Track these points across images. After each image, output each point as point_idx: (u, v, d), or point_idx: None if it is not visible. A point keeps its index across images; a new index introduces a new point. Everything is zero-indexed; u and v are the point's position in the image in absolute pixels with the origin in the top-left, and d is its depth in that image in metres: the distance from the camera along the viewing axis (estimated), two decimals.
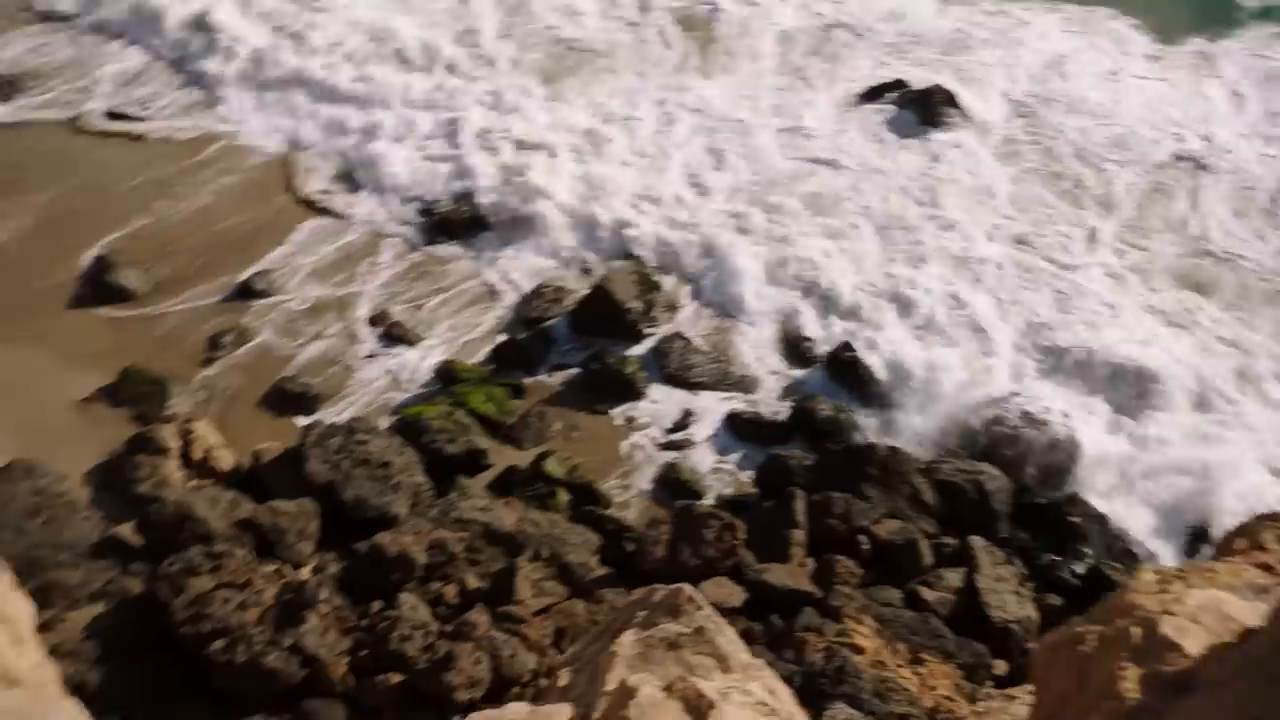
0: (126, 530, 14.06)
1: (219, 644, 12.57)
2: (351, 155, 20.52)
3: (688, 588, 5.48)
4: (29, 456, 14.38)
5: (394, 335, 17.54)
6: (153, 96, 21.53)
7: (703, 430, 16.74)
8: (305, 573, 13.77)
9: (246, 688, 12.38)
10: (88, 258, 17.77)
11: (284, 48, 22.72)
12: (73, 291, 17.37)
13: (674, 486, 15.86)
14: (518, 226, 19.42)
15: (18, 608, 6.36)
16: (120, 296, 17.32)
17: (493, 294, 18.47)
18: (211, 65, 22.22)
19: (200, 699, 12.13)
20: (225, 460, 15.15)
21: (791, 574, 14.06)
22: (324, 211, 19.49)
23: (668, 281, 18.81)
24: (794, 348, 17.93)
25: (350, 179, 20.14)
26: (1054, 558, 14.86)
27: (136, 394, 15.88)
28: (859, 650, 12.57)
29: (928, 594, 13.94)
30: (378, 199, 19.76)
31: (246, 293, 17.76)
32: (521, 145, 20.77)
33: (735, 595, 13.69)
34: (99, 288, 17.37)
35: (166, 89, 21.78)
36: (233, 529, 13.96)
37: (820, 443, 16.25)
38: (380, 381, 16.95)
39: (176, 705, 12.07)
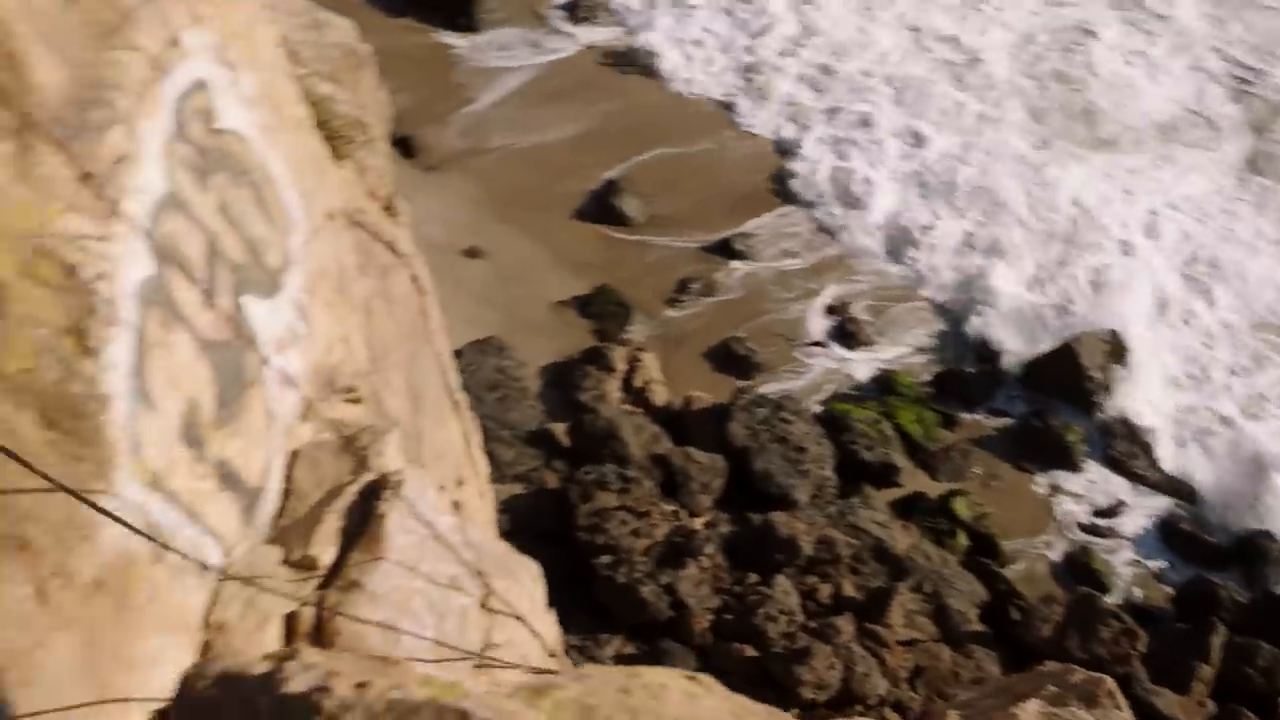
0: (559, 429, 15.29)
1: (606, 559, 13.40)
2: (845, 164, 20.29)
3: (1110, 681, 5.12)
4: (504, 337, 15.98)
5: (847, 330, 17.62)
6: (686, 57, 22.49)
7: (1130, 525, 15.62)
8: (698, 523, 14.32)
9: (617, 608, 13.11)
10: (604, 177, 19.22)
11: (811, 48, 22.66)
12: (581, 204, 18.88)
13: (1080, 571, 14.95)
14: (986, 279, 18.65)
15: (484, 466, 7.12)
16: (618, 220, 18.64)
17: (954, 324, 18.05)
18: (746, 39, 22.77)
19: (579, 603, 12.97)
20: (659, 395, 16.00)
21: (1185, 709, 12.87)
22: (810, 205, 19.64)
23: (1137, 363, 17.49)
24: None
25: (839, 181, 19.94)
26: None
27: (603, 311, 17.10)
28: None
29: None
30: (858, 211, 19.60)
31: (725, 249, 18.49)
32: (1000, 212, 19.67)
33: None
34: (603, 207, 18.78)
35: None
36: (647, 460, 14.76)
37: (1262, 583, 14.65)
38: (820, 369, 17.14)
39: (560, 599, 12.98)
